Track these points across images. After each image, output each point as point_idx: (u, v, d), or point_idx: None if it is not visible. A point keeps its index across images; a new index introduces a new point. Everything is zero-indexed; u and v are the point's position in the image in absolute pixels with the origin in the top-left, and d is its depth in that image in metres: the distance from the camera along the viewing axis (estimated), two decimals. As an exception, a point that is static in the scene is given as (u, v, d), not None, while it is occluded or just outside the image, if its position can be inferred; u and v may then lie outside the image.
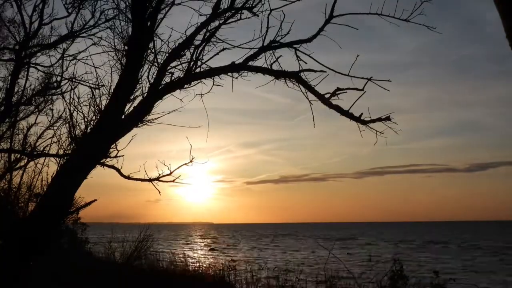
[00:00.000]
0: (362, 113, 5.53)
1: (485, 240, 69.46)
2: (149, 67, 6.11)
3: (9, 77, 10.83)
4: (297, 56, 5.79)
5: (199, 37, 6.09)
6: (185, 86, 6.05)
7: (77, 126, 6.08)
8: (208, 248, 50.41)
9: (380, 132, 5.49)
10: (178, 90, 6.05)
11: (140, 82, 6.08)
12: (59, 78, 10.73)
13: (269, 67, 5.84)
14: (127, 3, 6.17)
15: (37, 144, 12.33)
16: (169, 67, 6.09)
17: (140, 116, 6.03)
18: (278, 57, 5.82)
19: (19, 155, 12.39)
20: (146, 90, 6.06)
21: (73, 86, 8.44)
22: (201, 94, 6.13)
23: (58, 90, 11.18)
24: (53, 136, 11.80)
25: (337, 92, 5.58)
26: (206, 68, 6.08)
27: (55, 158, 8.98)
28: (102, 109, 6.02)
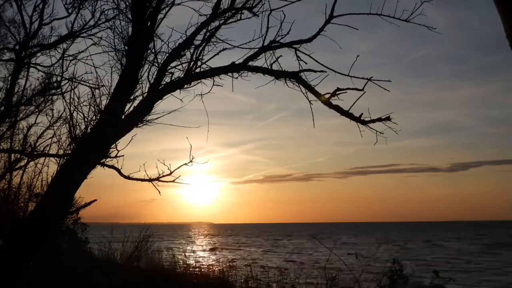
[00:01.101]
0: (362, 113, 5.53)
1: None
2: (149, 67, 6.12)
3: (9, 77, 10.84)
4: (297, 56, 5.79)
5: (199, 37, 6.11)
6: (185, 86, 6.05)
7: (77, 126, 6.08)
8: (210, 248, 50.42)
9: (380, 132, 5.49)
10: (178, 90, 6.06)
11: (140, 82, 6.08)
12: (59, 78, 10.73)
13: (269, 67, 5.84)
14: (127, 3, 6.17)
15: (37, 144, 12.34)
16: (169, 67, 6.09)
17: (140, 116, 6.03)
18: (278, 57, 5.83)
19: (19, 155, 12.39)
20: (146, 90, 6.07)
21: (73, 86, 8.45)
22: (201, 94, 6.15)
23: (58, 90, 11.18)
24: (53, 136, 11.82)
25: (337, 92, 5.58)
26: (206, 68, 6.09)
27: (55, 158, 8.97)
28: (102, 109, 6.02)
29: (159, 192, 6.62)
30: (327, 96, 5.61)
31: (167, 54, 6.07)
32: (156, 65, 6.10)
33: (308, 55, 5.74)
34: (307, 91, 5.72)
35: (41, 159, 12.04)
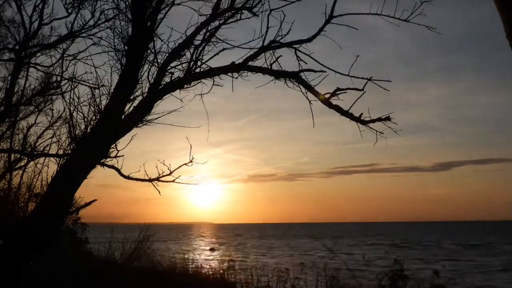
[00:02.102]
0: (362, 113, 5.54)
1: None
2: (149, 67, 6.12)
3: (9, 77, 10.83)
4: (297, 56, 5.80)
5: (199, 37, 6.11)
6: (185, 86, 6.05)
7: (77, 126, 6.08)
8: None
9: (380, 132, 5.50)
10: (178, 90, 6.06)
11: (140, 82, 6.08)
12: (59, 78, 10.71)
13: (269, 67, 5.84)
14: (127, 3, 6.18)
15: (37, 144, 12.33)
16: (169, 67, 6.09)
17: (140, 116, 6.03)
18: (278, 57, 5.83)
19: (19, 155, 12.38)
20: (146, 90, 6.07)
21: (73, 86, 8.41)
22: (201, 94, 6.15)
23: (58, 90, 11.16)
24: (53, 136, 11.82)
25: (337, 92, 5.59)
26: (206, 68, 6.09)
27: (55, 158, 8.96)
28: (102, 109, 6.02)
29: (159, 192, 6.63)
30: (327, 96, 5.62)
31: (167, 54, 6.07)
32: (156, 65, 6.11)
33: (308, 55, 5.74)
34: (307, 91, 5.73)
35: (41, 159, 12.02)
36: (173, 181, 6.59)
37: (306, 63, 5.74)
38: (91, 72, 9.73)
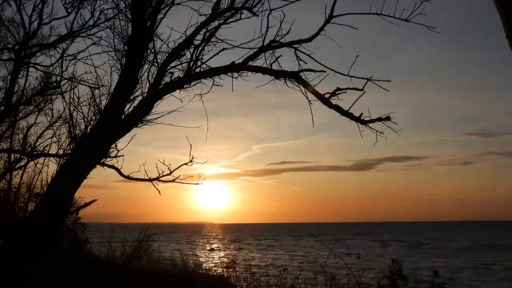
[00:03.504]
0: (362, 113, 5.54)
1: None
2: (149, 67, 6.12)
3: (9, 77, 10.82)
4: (297, 56, 5.80)
5: (199, 37, 6.12)
6: (185, 86, 6.05)
7: (77, 126, 6.09)
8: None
9: (380, 132, 5.51)
10: (178, 90, 6.06)
11: (140, 82, 6.09)
12: (58, 78, 10.70)
13: (269, 67, 5.84)
14: (127, 3, 6.17)
15: (37, 144, 12.35)
16: (169, 67, 6.09)
17: (140, 116, 6.03)
18: (278, 57, 5.83)
19: (19, 155, 12.39)
20: (146, 90, 6.07)
21: (72, 86, 8.41)
22: (201, 94, 6.15)
23: (57, 90, 11.16)
24: (53, 136, 11.84)
25: (337, 92, 5.59)
26: (206, 68, 6.09)
27: (55, 158, 8.97)
28: (102, 109, 6.03)
29: (159, 192, 6.64)
30: (326, 96, 5.62)
31: (167, 54, 6.07)
32: (156, 65, 6.11)
33: (308, 55, 5.75)
34: (306, 91, 5.73)
35: (41, 159, 12.04)
36: (173, 181, 6.59)
37: (306, 63, 5.76)
38: (91, 72, 9.70)
